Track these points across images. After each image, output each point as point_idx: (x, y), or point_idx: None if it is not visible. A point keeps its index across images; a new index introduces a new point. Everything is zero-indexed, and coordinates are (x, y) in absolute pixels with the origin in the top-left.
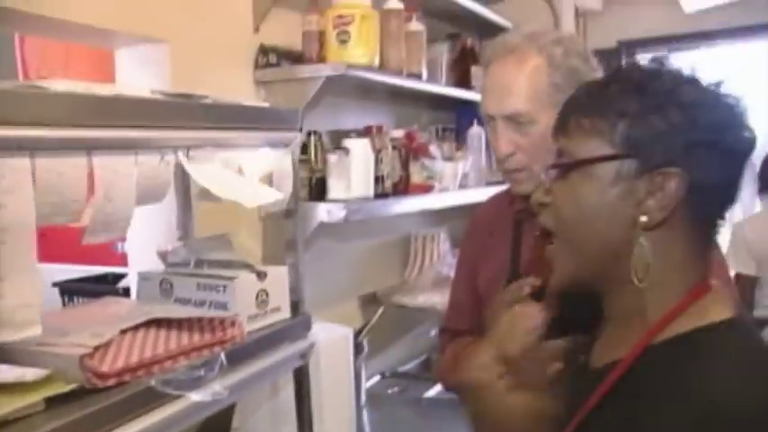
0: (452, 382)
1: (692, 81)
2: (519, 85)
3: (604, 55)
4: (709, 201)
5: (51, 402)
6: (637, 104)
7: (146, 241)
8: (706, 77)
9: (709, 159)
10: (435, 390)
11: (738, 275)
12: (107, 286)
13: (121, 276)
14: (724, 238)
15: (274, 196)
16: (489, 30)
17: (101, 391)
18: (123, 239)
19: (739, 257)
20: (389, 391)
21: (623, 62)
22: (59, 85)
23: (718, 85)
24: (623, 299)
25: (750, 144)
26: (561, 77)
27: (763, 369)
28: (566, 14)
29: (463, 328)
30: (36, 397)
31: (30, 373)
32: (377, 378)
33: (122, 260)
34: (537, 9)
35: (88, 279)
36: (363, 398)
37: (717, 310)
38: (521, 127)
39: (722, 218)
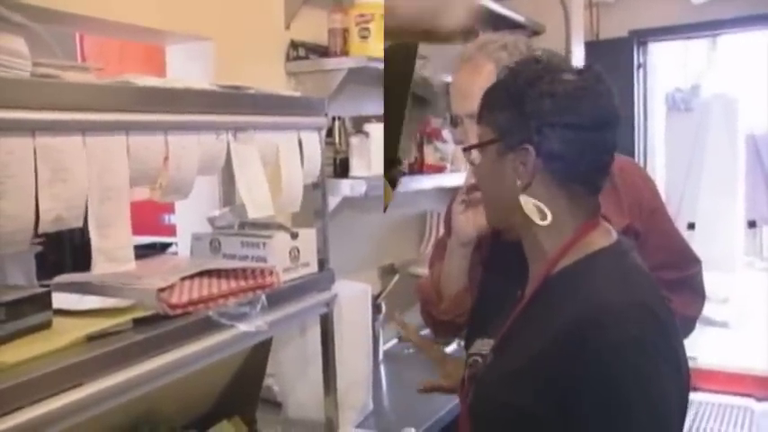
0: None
1: (551, 73)
2: (475, 89)
3: (617, 44)
4: (564, 166)
5: (136, 323)
6: (505, 99)
7: (191, 214)
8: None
9: (554, 136)
10: (450, 349)
11: None
12: (157, 252)
13: (167, 245)
14: None
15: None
16: (504, 24)
17: (171, 318)
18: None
19: None
20: (405, 352)
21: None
22: (143, 80)
23: (581, 72)
24: (527, 241)
25: (596, 121)
26: None
27: (626, 281)
28: (575, 8)
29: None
30: (126, 318)
31: (120, 302)
32: (394, 341)
33: (168, 231)
34: (548, 3)
35: (139, 247)
36: (381, 355)
37: (598, 242)
38: None
39: (592, 175)
